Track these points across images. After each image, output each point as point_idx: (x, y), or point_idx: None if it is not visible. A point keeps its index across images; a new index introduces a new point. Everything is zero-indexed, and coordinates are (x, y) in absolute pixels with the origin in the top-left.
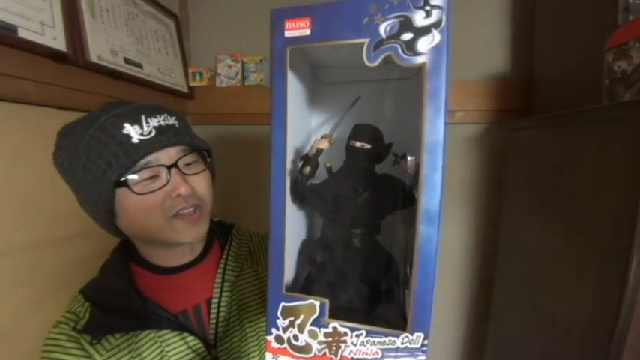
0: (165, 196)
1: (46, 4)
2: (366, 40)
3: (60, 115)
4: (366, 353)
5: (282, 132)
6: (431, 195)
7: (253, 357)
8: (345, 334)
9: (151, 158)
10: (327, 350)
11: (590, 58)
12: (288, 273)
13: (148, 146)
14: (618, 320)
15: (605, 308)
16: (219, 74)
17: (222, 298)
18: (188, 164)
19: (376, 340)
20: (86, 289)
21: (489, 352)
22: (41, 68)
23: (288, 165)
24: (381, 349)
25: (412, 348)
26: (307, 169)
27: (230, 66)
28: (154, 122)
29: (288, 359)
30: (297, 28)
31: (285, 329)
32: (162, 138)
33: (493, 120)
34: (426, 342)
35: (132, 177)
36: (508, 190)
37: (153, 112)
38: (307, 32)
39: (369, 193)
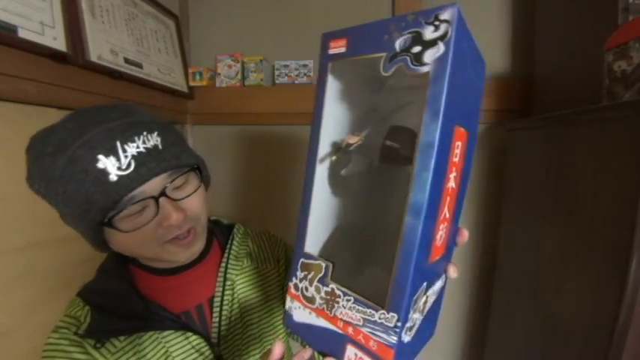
0: (157, 226)
1: (46, 4)
2: (384, 54)
3: (60, 115)
4: (352, 318)
5: (318, 129)
6: (419, 191)
7: (255, 354)
8: (339, 296)
9: (135, 193)
10: (325, 306)
11: (590, 58)
12: (317, 242)
13: (129, 183)
14: (618, 320)
15: (605, 308)
16: (219, 74)
17: (225, 297)
18: (178, 187)
19: (359, 308)
20: (84, 292)
21: (489, 352)
22: (41, 68)
23: (321, 154)
24: (363, 318)
25: (386, 326)
26: (334, 158)
27: (230, 66)
28: (132, 150)
29: (299, 305)
30: (337, 47)
31: (300, 280)
32: (143, 171)
33: (493, 120)
34: (399, 324)
35: (116, 216)
36: (508, 190)
37: (129, 134)
38: (343, 50)
39: (392, 187)
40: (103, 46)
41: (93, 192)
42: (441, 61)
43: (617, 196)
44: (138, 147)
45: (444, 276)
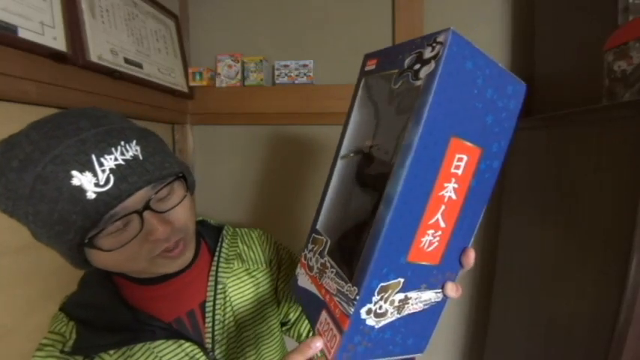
0: (143, 241)
1: (46, 4)
2: (396, 71)
3: None
4: (331, 287)
5: (344, 132)
6: (393, 185)
7: (251, 356)
8: (328, 267)
9: (116, 210)
10: (318, 275)
11: (590, 58)
12: (329, 223)
13: (109, 201)
14: (618, 320)
15: (605, 308)
16: (219, 74)
17: (217, 301)
18: (162, 198)
19: (337, 280)
20: (67, 306)
21: (489, 352)
22: (41, 68)
23: (343, 153)
24: (337, 288)
25: (349, 297)
26: (351, 155)
27: (230, 66)
28: (110, 163)
29: (304, 272)
30: (371, 65)
31: (309, 251)
32: (124, 186)
33: None
34: (357, 297)
35: (97, 235)
36: (508, 190)
37: (104, 145)
38: (374, 67)
39: None
40: (103, 46)
41: (69, 212)
42: (430, 76)
43: (617, 195)
44: (116, 159)
45: (440, 292)
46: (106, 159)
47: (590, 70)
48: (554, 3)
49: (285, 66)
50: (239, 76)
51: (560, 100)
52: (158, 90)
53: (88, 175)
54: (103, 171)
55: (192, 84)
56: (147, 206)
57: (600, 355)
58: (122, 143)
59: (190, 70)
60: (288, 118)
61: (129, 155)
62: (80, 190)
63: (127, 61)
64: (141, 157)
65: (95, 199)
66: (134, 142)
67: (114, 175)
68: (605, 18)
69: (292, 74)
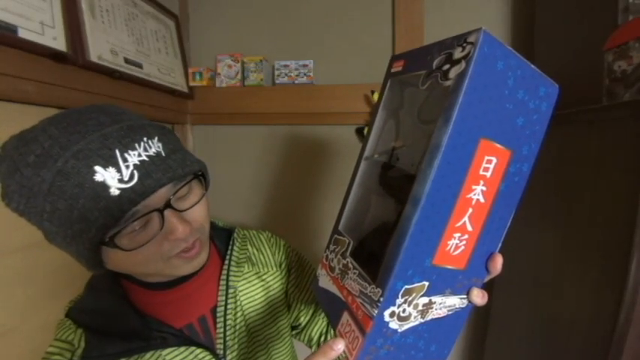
0: (162, 240)
1: (46, 4)
2: (424, 72)
3: None
4: (353, 288)
5: (369, 132)
6: (420, 184)
7: None
8: (350, 269)
9: (138, 207)
10: (340, 275)
11: (590, 58)
12: (352, 224)
13: (134, 197)
14: (618, 320)
15: (605, 308)
16: (219, 74)
17: (228, 306)
18: (181, 197)
19: (360, 281)
20: (74, 313)
21: (489, 352)
22: (41, 68)
23: (368, 154)
24: (360, 290)
25: (372, 299)
26: (375, 155)
27: (230, 66)
28: (134, 158)
29: (325, 272)
30: (397, 67)
31: (331, 252)
32: (149, 182)
33: None
34: (381, 299)
35: (118, 234)
36: None
37: (128, 141)
38: (400, 69)
39: None
40: (103, 46)
41: (90, 209)
42: (460, 76)
43: (616, 195)
44: (139, 155)
45: (465, 298)
46: (130, 155)
47: (590, 70)
48: (554, 3)
49: (285, 66)
50: (239, 76)
51: (560, 100)
52: (158, 90)
53: (112, 170)
54: (127, 167)
55: (192, 84)
56: (168, 204)
57: (600, 355)
58: (145, 139)
59: (190, 70)
60: (288, 118)
61: (152, 152)
62: (103, 186)
63: (127, 61)
64: (163, 154)
65: (119, 195)
66: (156, 138)
67: (138, 172)
68: (605, 18)
69: (292, 74)
